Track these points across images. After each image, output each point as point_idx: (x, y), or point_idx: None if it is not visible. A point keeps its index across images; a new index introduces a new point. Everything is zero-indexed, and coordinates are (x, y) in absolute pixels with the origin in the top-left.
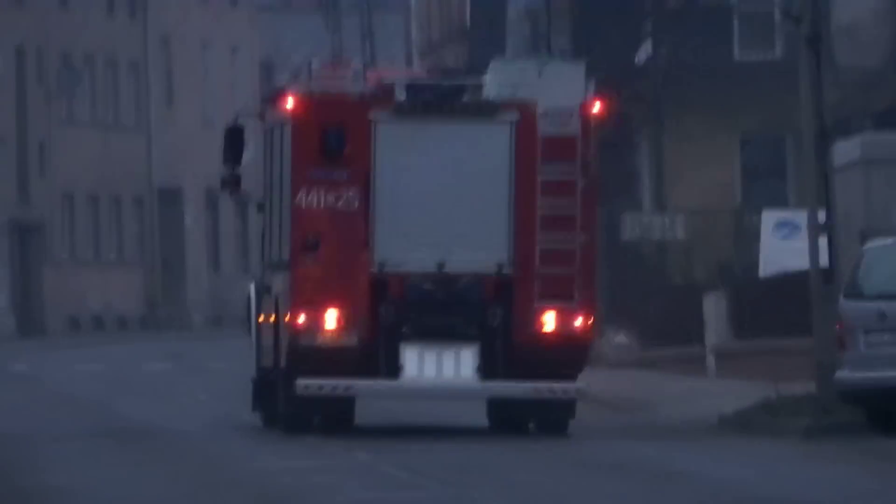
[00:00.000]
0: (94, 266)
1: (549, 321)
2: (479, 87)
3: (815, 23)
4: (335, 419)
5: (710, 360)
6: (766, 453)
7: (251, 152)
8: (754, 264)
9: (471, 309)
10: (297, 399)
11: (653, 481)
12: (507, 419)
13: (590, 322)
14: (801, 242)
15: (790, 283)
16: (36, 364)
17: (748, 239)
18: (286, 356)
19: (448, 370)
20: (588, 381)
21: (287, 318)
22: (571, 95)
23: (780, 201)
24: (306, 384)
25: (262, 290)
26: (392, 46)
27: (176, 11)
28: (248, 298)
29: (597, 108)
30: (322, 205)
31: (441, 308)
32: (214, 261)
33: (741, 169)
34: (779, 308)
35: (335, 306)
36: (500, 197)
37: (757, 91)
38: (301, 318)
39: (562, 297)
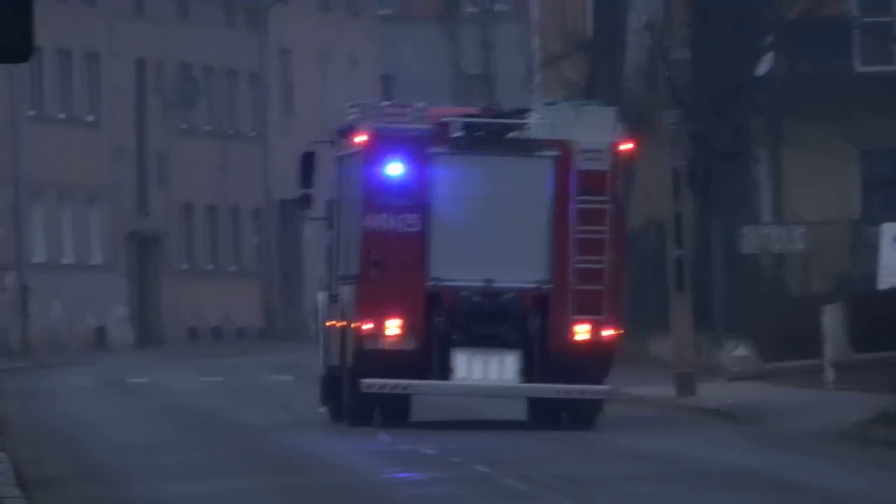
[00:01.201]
0: (212, 277)
1: (581, 332)
2: (525, 126)
3: None
4: (394, 414)
5: (829, 373)
6: (883, 464)
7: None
8: (873, 276)
9: (513, 320)
10: (361, 395)
11: (768, 492)
12: (544, 414)
13: (617, 333)
14: None
15: None
16: (155, 375)
17: (867, 251)
18: (352, 358)
19: (493, 373)
20: (705, 392)
21: (354, 325)
22: (603, 135)
23: None
24: (370, 383)
25: (331, 299)
26: (511, 57)
27: (295, 23)
28: (318, 306)
29: (625, 147)
30: (386, 227)
31: (487, 318)
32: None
33: (860, 180)
34: None
35: (396, 315)
36: (541, 222)
37: (877, 102)
38: (367, 325)
39: (592, 311)
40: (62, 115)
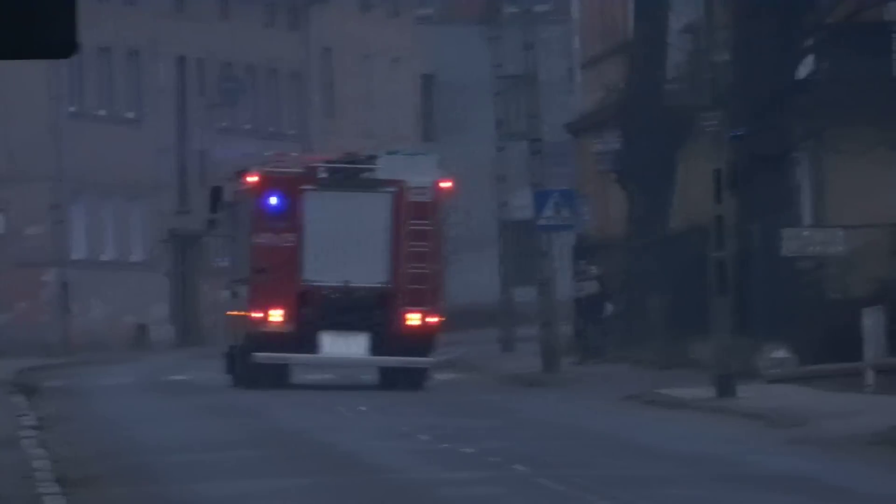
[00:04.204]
0: None
1: (413, 319)
2: (373, 169)
3: None
4: (276, 378)
5: (869, 376)
6: None
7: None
8: None
9: (364, 310)
10: (253, 366)
11: (810, 497)
12: (389, 380)
13: (439, 320)
14: None
15: None
16: (194, 373)
17: None
18: (246, 338)
19: (349, 349)
20: (744, 394)
21: (247, 314)
22: (428, 177)
23: None
24: (259, 356)
25: (232, 295)
26: (553, 57)
27: (336, 22)
28: (226, 300)
29: (444, 185)
30: (270, 243)
31: (345, 309)
32: None
33: None
34: None
35: (278, 307)
36: (384, 239)
37: None
38: (256, 314)
39: (421, 304)
40: (103, 113)
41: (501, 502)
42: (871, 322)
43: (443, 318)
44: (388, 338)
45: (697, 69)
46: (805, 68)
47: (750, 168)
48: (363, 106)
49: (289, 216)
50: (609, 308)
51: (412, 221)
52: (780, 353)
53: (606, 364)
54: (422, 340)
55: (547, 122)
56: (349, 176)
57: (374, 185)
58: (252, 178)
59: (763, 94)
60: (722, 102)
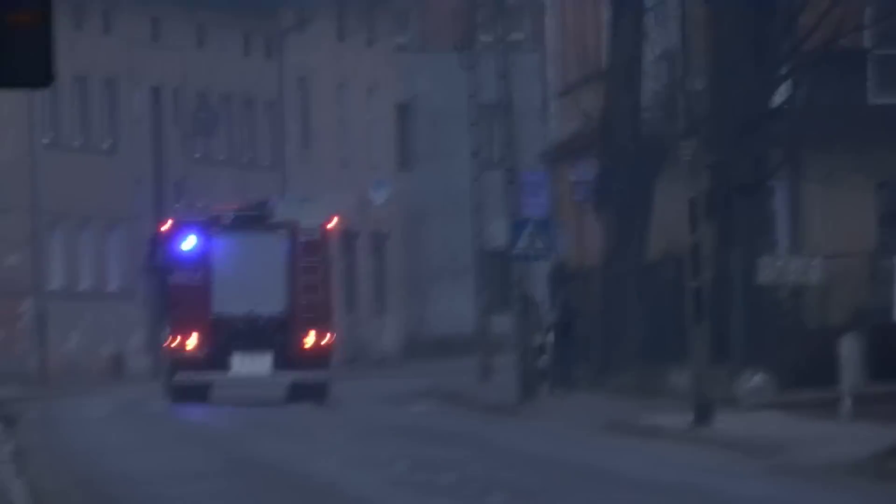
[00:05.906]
0: None
1: (309, 339)
2: (272, 214)
3: None
4: (198, 396)
5: (846, 404)
6: None
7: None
8: (890, 308)
9: (267, 334)
10: (175, 385)
11: None
12: (295, 395)
13: (331, 340)
14: None
15: None
16: (172, 403)
17: (883, 283)
18: (169, 361)
19: (256, 367)
20: (722, 422)
21: (169, 342)
22: (317, 219)
23: None
24: (178, 377)
25: (166, 328)
26: (529, 86)
27: (313, 51)
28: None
29: (331, 225)
30: (185, 281)
31: (252, 333)
32: (351, 300)
33: (877, 212)
34: None
35: (194, 334)
36: (281, 273)
37: (893, 134)
38: (177, 341)
39: (315, 327)
40: (79, 143)
41: None
42: (848, 350)
43: (334, 339)
44: (289, 356)
45: (673, 97)
46: (781, 95)
47: (726, 196)
48: (339, 135)
49: (200, 257)
50: (576, 335)
51: (303, 257)
52: (758, 381)
53: (584, 393)
54: (318, 358)
55: (523, 151)
56: (249, 220)
57: (273, 228)
58: (167, 225)
59: (739, 121)
60: (698, 130)
